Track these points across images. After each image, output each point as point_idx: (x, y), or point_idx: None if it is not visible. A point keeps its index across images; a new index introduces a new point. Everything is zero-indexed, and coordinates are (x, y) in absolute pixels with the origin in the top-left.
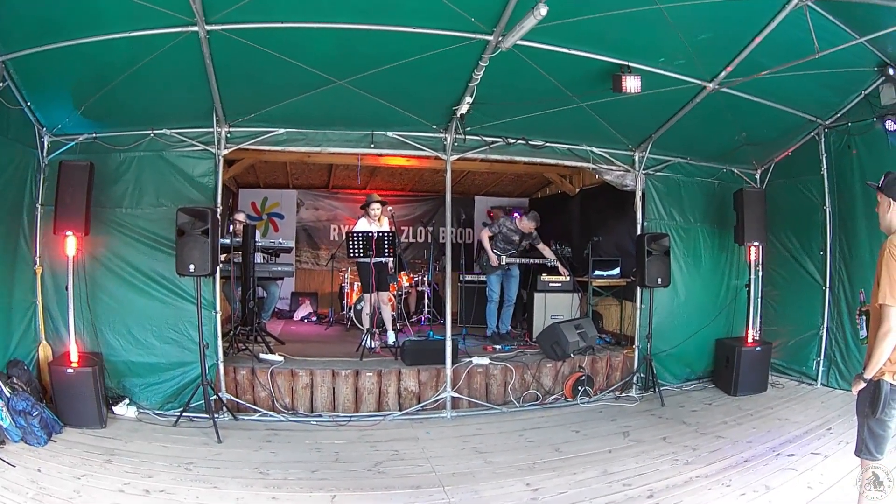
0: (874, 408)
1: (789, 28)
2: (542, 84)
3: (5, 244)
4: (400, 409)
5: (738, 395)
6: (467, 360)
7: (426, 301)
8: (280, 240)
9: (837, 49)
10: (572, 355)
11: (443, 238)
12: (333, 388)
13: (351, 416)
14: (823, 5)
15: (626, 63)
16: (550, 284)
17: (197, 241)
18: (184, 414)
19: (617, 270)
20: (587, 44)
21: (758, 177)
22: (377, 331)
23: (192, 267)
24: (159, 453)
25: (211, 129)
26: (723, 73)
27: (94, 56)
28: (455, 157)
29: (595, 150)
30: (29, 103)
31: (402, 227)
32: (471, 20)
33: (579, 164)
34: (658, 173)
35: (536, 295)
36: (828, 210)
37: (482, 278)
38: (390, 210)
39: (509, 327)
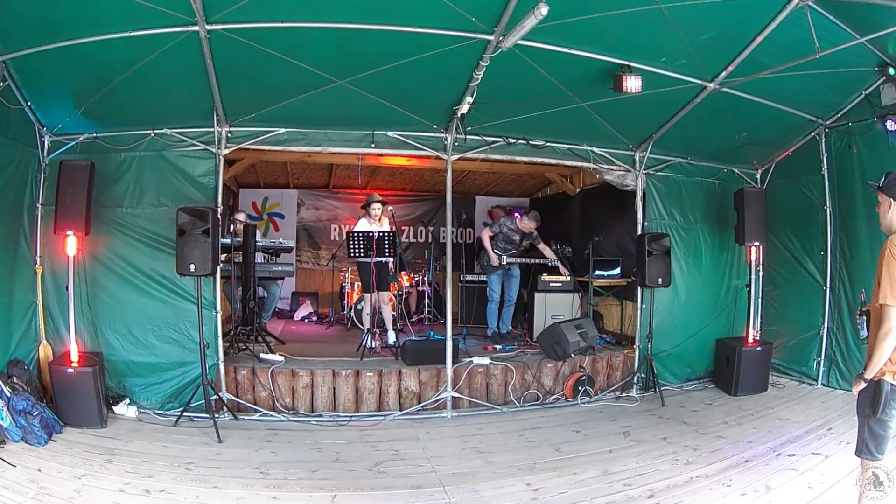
0: (875, 408)
1: (790, 28)
2: (543, 84)
3: (6, 244)
4: (400, 409)
5: (738, 395)
6: (468, 359)
7: (427, 301)
8: (280, 239)
9: (838, 49)
10: (573, 355)
11: (443, 238)
12: (334, 388)
13: (351, 416)
14: (824, 5)
15: (626, 63)
16: (551, 284)
17: (197, 241)
18: (184, 414)
19: (617, 270)
20: (588, 43)
21: (758, 177)
22: (378, 331)
23: (192, 267)
24: (160, 453)
25: (211, 129)
26: (723, 73)
27: (95, 56)
28: (456, 156)
29: (596, 149)
30: (29, 103)
31: (403, 227)
32: (471, 20)
33: (580, 163)
34: (659, 173)
35: (537, 295)
36: (828, 210)
37: (483, 278)
38: (391, 210)
39: (510, 327)
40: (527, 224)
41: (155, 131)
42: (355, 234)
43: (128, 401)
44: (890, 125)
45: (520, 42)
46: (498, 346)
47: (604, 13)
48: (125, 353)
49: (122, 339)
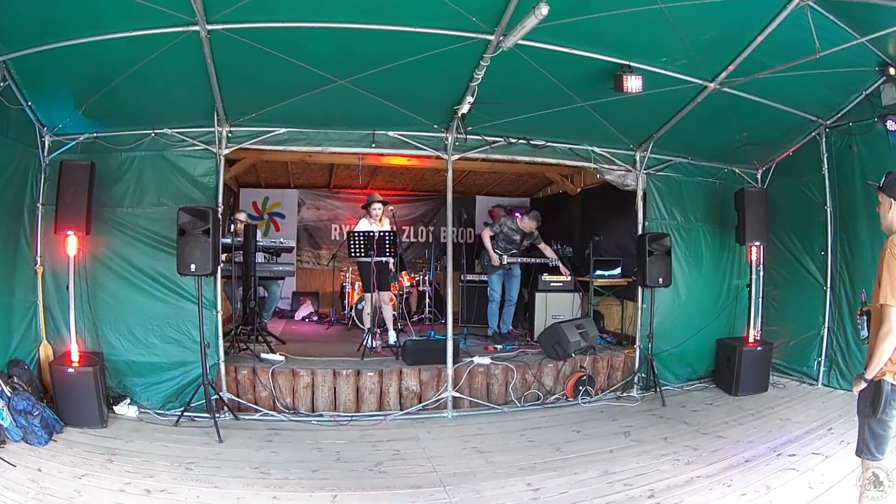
0: (875, 408)
1: (790, 28)
2: (544, 84)
3: (6, 244)
4: (401, 409)
5: (739, 395)
6: (468, 359)
7: (427, 301)
8: (281, 239)
9: (838, 49)
10: (573, 355)
11: (444, 238)
12: (334, 388)
13: (352, 416)
14: (824, 5)
15: (627, 63)
16: (552, 284)
17: (198, 241)
18: (185, 413)
19: (618, 270)
20: (588, 43)
21: (759, 176)
22: (378, 330)
23: (193, 266)
24: (160, 453)
25: (212, 129)
26: (724, 73)
27: (95, 56)
28: (456, 156)
29: (596, 149)
30: (30, 103)
31: (404, 227)
32: (472, 20)
33: (580, 163)
34: (659, 173)
35: (538, 294)
36: (829, 210)
37: (483, 278)
38: (391, 210)
39: (510, 327)
40: (527, 224)
41: (155, 131)
42: (356, 234)
43: (128, 400)
44: (890, 125)
45: (520, 42)
46: (498, 346)
47: (604, 13)
48: (126, 353)
49: (123, 338)
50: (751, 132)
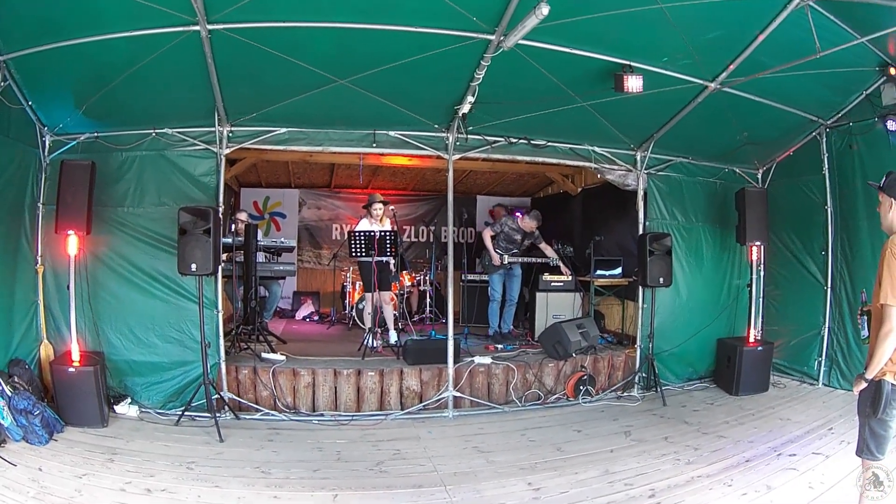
0: (875, 408)
1: (791, 28)
2: (544, 83)
3: (7, 243)
4: (402, 409)
5: (739, 394)
6: (469, 359)
7: (428, 300)
8: (282, 239)
9: (839, 49)
10: (574, 355)
11: (445, 237)
12: (335, 388)
13: (353, 416)
14: (824, 5)
15: (627, 63)
16: (552, 284)
17: (199, 241)
18: (185, 413)
19: (619, 270)
20: (589, 43)
21: (759, 176)
22: (379, 330)
23: (193, 266)
24: (161, 452)
25: (213, 129)
26: (724, 73)
27: (95, 56)
28: (457, 156)
29: (597, 149)
30: (30, 102)
31: (404, 227)
32: (472, 19)
33: (581, 163)
34: (660, 173)
35: (538, 294)
36: (829, 210)
37: (484, 278)
38: (392, 209)
39: (511, 327)
40: (528, 223)
41: (156, 131)
42: (357, 234)
43: (129, 400)
44: (891, 125)
45: (521, 42)
46: (499, 346)
47: (605, 13)
48: (126, 353)
49: (124, 338)
50: (751, 132)
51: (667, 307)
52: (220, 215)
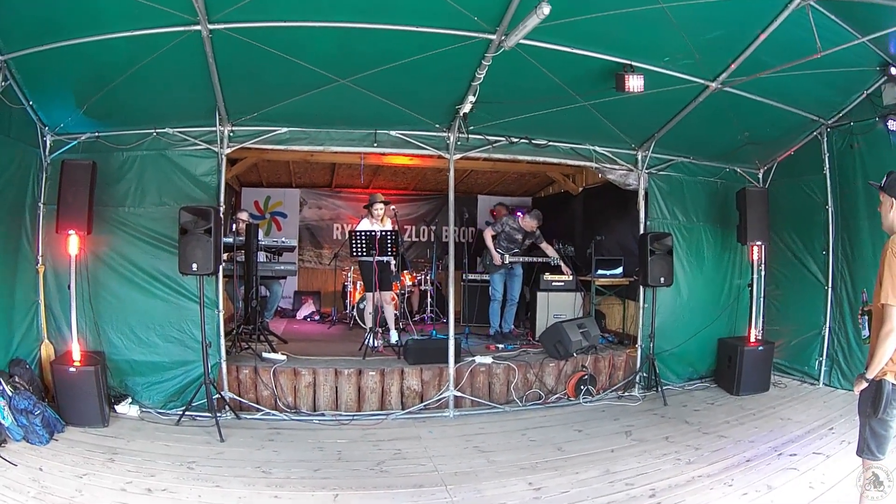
0: (876, 408)
1: (791, 27)
2: (545, 83)
3: (7, 243)
4: (403, 408)
5: (740, 394)
6: (470, 359)
7: (429, 300)
8: (283, 239)
9: (840, 48)
10: (575, 354)
11: (446, 237)
12: (336, 387)
13: (354, 415)
14: (825, 5)
15: (629, 62)
16: (553, 283)
17: (200, 240)
18: (186, 413)
19: (620, 270)
20: (590, 43)
21: (760, 176)
22: (380, 330)
23: (194, 266)
24: (162, 452)
25: (214, 128)
26: (725, 73)
27: (96, 56)
28: (458, 156)
29: (598, 149)
30: (31, 102)
31: (405, 226)
32: (473, 19)
33: (582, 163)
34: (661, 172)
35: (539, 294)
36: (830, 210)
37: (485, 277)
38: (393, 209)
39: (512, 326)
40: (529, 223)
41: (157, 130)
42: (357, 234)
43: (130, 400)
44: (891, 125)
45: (522, 41)
46: (500, 346)
47: (606, 13)
48: (127, 353)
49: (124, 338)
50: (752, 132)
51: (668, 307)
52: (221, 215)
